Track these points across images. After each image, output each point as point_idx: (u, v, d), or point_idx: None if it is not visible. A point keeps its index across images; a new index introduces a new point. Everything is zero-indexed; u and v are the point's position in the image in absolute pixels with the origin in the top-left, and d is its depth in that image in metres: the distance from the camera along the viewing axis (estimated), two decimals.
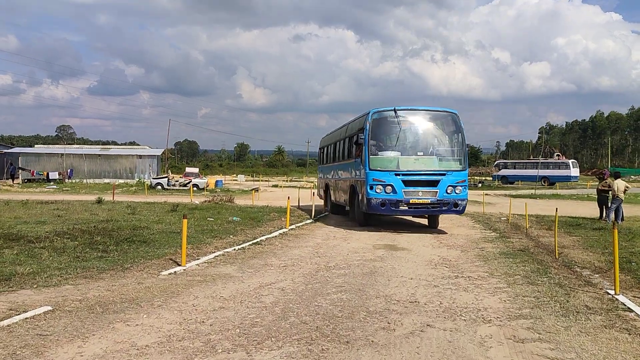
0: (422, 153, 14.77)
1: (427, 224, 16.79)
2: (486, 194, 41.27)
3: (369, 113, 14.93)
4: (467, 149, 15.35)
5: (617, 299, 7.06)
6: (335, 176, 19.37)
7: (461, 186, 14.48)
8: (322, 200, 22.04)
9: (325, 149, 22.15)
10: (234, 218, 16.49)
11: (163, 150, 53.24)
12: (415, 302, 6.79)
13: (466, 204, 14.80)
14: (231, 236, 12.70)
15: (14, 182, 44.51)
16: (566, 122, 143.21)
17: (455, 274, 8.89)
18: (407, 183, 14.09)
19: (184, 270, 8.51)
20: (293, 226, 15.15)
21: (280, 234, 13.57)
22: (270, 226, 15.16)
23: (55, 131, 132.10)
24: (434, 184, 14.19)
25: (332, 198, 19.95)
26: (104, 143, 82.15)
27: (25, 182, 44.05)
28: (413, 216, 17.45)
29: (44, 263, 8.48)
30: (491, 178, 63.87)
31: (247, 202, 25.95)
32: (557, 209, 12.59)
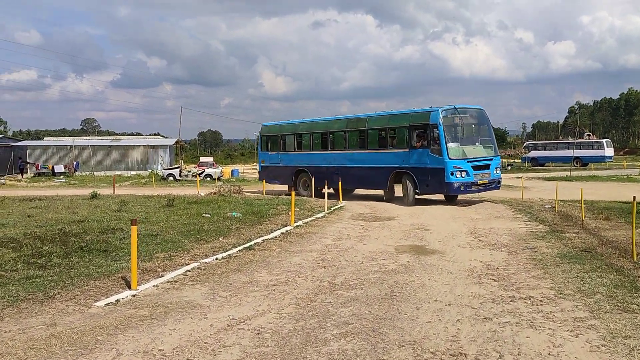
0: (478, 143, 18.04)
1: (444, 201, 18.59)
2: (518, 177, 38.41)
3: (437, 110, 17.10)
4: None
5: None
6: (339, 163, 20.41)
7: (499, 168, 18.44)
8: (275, 186, 24.12)
9: (297, 137, 22.85)
10: (234, 214, 14.17)
11: (176, 140, 51.09)
12: (461, 354, 4.35)
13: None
14: (221, 238, 10.36)
15: (23, 176, 42.98)
16: (594, 101, 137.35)
17: (509, 292, 6.42)
18: (475, 168, 17.07)
19: (133, 296, 6.19)
20: (300, 222, 12.75)
21: (282, 233, 11.19)
22: (273, 223, 12.79)
23: (81, 124, 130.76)
24: (488, 167, 17.60)
25: (315, 184, 20.59)
26: (128, 134, 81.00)
27: (35, 177, 42.51)
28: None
29: None
30: (520, 160, 60.57)
31: (259, 191, 23.68)
32: (634, 197, 9.91)
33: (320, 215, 14.51)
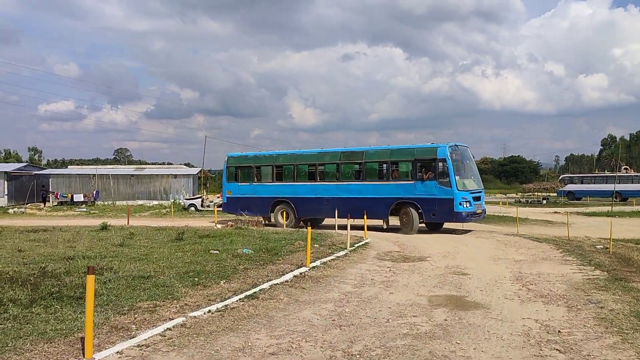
0: (472, 177, 19.93)
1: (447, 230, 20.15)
2: (555, 212, 36.19)
3: (444, 146, 18.61)
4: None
5: None
6: (330, 194, 20.89)
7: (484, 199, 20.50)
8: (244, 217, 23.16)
9: (276, 168, 22.86)
10: (245, 250, 12.69)
11: (200, 169, 50.25)
12: None
13: None
14: (222, 282, 8.86)
15: (45, 205, 42.46)
16: (630, 134, 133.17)
17: None
18: (474, 199, 18.85)
19: None
20: (317, 262, 11.18)
21: (295, 276, 9.64)
22: (287, 262, 11.27)
23: (113, 154, 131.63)
24: (480, 198, 19.68)
25: (298, 214, 21.86)
26: (159, 164, 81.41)
27: (58, 205, 41.94)
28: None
29: None
30: (555, 194, 58.04)
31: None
32: None
33: (341, 253, 12.92)
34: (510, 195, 69.39)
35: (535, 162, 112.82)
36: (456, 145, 19.19)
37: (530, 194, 59.83)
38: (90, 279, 4.94)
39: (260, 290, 8.26)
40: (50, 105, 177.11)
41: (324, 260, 11.63)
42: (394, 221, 19.70)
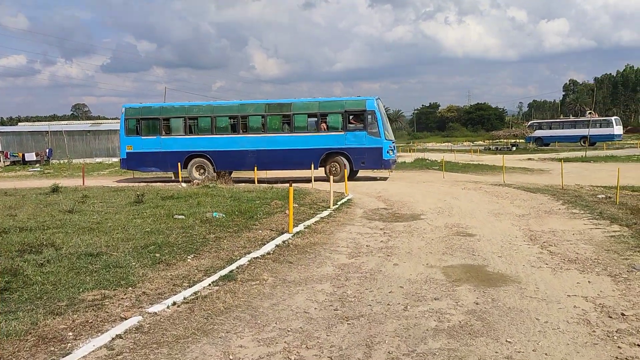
0: (389, 129, 21.38)
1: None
2: (529, 159, 35.50)
3: (372, 99, 20.10)
4: None
5: None
6: (255, 146, 20.61)
7: None
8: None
9: (189, 120, 21.68)
10: (215, 214, 11.08)
11: None
12: None
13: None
14: (190, 258, 7.28)
15: None
16: (595, 78, 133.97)
17: None
18: (394, 147, 20.99)
19: None
20: (301, 227, 9.67)
21: (278, 245, 8.11)
22: (265, 227, 9.71)
23: (71, 110, 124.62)
24: (395, 148, 21.24)
25: (218, 167, 21.19)
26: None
27: (9, 166, 39.16)
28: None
29: None
30: (524, 140, 57.69)
31: (250, 178, 20.60)
32: None
33: (325, 213, 11.44)
34: (478, 142, 68.98)
35: (500, 109, 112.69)
36: (379, 99, 20.52)
37: (499, 140, 59.37)
38: None
39: (237, 267, 6.71)
40: (0, 60, 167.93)
41: (308, 223, 10.11)
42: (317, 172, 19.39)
